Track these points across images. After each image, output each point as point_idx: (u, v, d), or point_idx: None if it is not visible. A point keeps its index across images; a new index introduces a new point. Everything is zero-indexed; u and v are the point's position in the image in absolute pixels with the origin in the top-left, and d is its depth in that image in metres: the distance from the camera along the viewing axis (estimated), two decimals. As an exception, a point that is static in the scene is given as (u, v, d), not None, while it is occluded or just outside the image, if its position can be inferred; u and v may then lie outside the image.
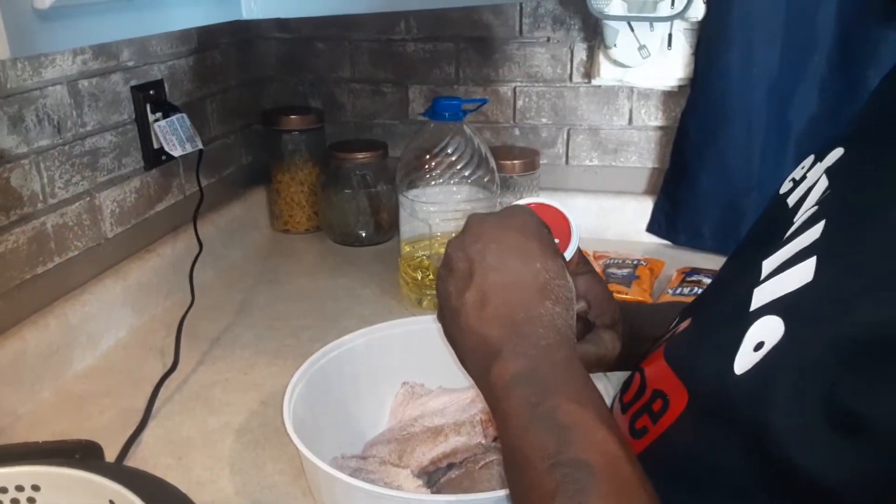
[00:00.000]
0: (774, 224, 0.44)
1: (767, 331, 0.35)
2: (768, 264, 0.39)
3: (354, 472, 0.63)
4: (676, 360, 0.43)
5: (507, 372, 0.41)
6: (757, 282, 0.38)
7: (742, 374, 0.35)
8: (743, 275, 0.41)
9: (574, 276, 0.51)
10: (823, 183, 0.41)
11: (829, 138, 0.45)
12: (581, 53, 1.20)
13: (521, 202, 0.55)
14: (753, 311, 0.37)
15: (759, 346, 0.35)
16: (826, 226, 0.36)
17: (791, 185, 0.46)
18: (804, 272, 0.35)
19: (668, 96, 1.18)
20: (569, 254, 0.54)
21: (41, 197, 0.84)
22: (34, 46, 0.45)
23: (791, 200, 0.44)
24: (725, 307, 0.41)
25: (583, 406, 0.39)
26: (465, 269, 0.46)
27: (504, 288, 0.44)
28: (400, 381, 0.77)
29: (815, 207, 0.39)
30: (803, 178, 0.45)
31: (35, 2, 0.43)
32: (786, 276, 0.36)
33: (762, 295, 0.37)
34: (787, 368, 0.33)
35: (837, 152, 0.42)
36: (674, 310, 0.58)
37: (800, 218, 0.40)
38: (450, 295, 0.47)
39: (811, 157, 0.46)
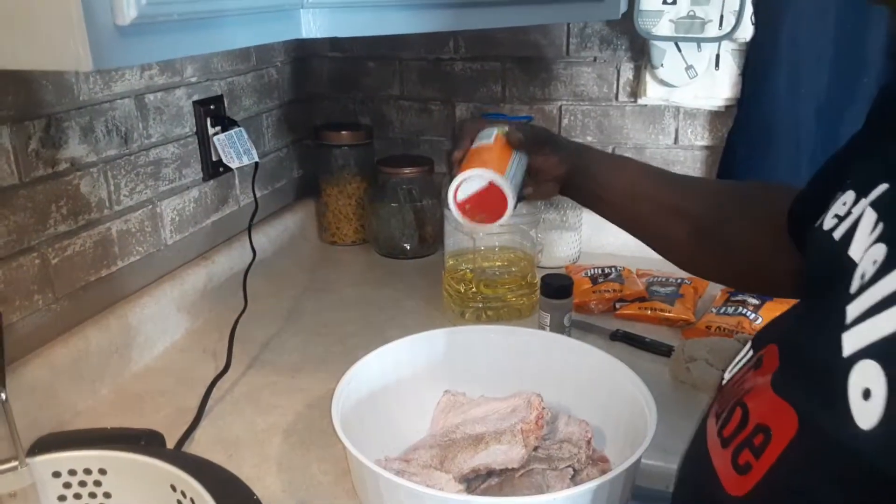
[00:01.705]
0: (831, 259, 0.44)
1: (869, 377, 0.36)
2: (853, 309, 0.39)
3: (397, 474, 0.65)
4: (788, 394, 0.43)
5: None
6: (843, 326, 0.38)
7: (870, 430, 0.35)
8: (824, 316, 0.41)
9: (533, 157, 0.72)
10: (871, 215, 0.41)
11: (868, 174, 0.45)
12: (627, 73, 1.21)
13: (455, 180, 0.67)
14: (847, 358, 0.37)
15: (866, 393, 0.35)
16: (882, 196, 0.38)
17: (836, 221, 0.46)
18: (866, 221, 0.37)
19: (715, 116, 1.19)
20: (506, 217, 0.66)
21: (107, 203, 0.89)
22: (114, 60, 0.48)
23: (836, 234, 0.44)
24: (815, 350, 0.42)
25: None
26: None
27: None
28: (442, 389, 0.79)
29: (883, 246, 0.39)
30: (847, 213, 0.45)
31: (116, 18, 0.46)
32: (877, 320, 0.37)
33: (853, 340, 0.38)
34: None
35: (882, 188, 0.42)
36: (628, 165, 0.78)
37: (862, 254, 0.41)
38: None
39: (851, 193, 0.46)
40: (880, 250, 0.39)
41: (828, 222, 0.47)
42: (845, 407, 0.36)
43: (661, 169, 0.79)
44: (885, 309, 0.36)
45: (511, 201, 0.66)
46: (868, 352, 0.36)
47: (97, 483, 0.51)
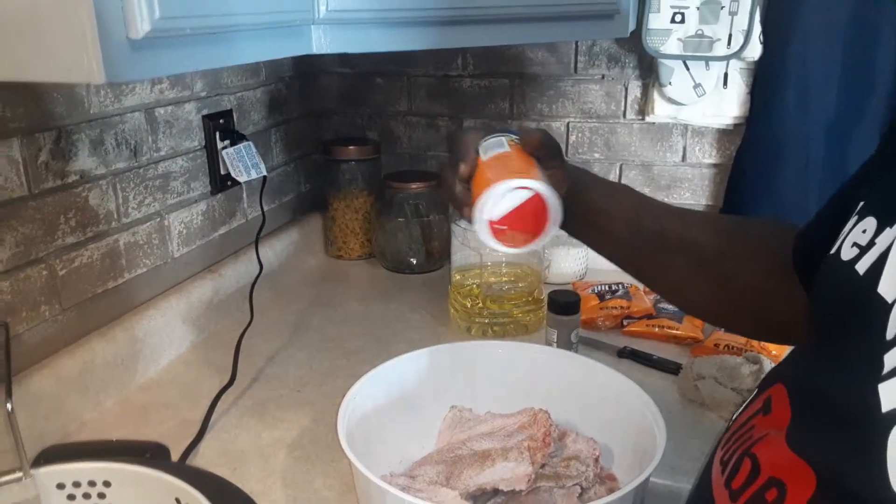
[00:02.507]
0: (856, 297, 0.40)
1: None
2: (892, 358, 0.35)
3: (403, 490, 0.64)
4: (811, 456, 0.39)
5: None
6: (879, 377, 0.35)
7: None
8: (853, 362, 0.38)
9: (546, 170, 0.60)
10: None
11: (891, 199, 0.42)
12: (635, 91, 1.21)
13: (485, 197, 0.55)
14: (888, 413, 0.34)
15: None
16: None
17: (857, 251, 0.42)
18: None
19: (723, 134, 1.19)
20: (548, 235, 0.56)
21: (116, 216, 0.89)
22: (126, 73, 0.48)
23: (860, 268, 0.40)
24: (843, 401, 0.38)
25: None
26: None
27: None
28: (448, 405, 0.78)
29: None
30: (871, 244, 0.41)
31: (129, 32, 0.47)
32: None
33: (894, 394, 0.34)
34: None
35: None
36: (626, 193, 0.68)
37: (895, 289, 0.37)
38: None
39: (872, 220, 0.42)
40: None
41: (846, 252, 0.43)
42: (882, 467, 0.33)
43: (662, 201, 0.71)
44: None
45: (557, 216, 0.55)
46: None
47: (101, 495, 0.50)
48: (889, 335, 0.35)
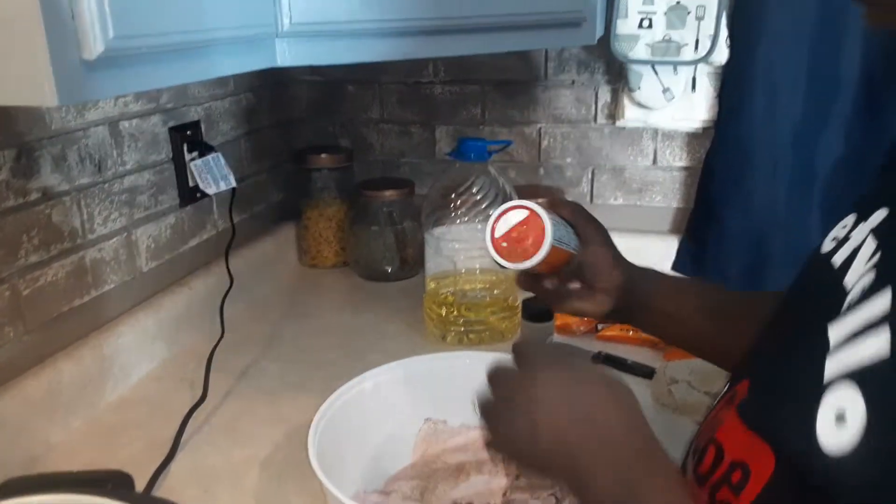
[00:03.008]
0: (825, 286, 0.43)
1: (846, 402, 0.35)
2: (835, 332, 0.38)
3: (376, 508, 0.64)
4: (760, 425, 0.42)
5: (597, 487, 0.44)
6: (827, 350, 0.38)
7: (841, 457, 0.34)
8: (807, 339, 0.40)
9: (585, 243, 0.65)
10: (871, 244, 0.40)
11: (871, 196, 0.44)
12: (605, 96, 1.22)
13: (497, 211, 0.63)
14: (828, 383, 0.36)
15: (840, 417, 0.35)
16: (894, 296, 0.36)
17: (834, 244, 0.45)
18: (879, 346, 0.35)
19: (693, 137, 1.19)
20: (543, 252, 0.61)
21: (80, 232, 0.88)
22: (81, 94, 0.47)
23: (836, 261, 0.43)
24: (796, 374, 0.40)
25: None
26: (526, 426, 0.47)
27: (566, 420, 0.46)
28: (423, 417, 0.78)
29: (873, 272, 0.38)
30: (847, 237, 0.44)
31: (83, 52, 0.46)
32: (859, 346, 0.36)
33: (835, 365, 0.37)
34: (883, 453, 0.33)
35: (882, 213, 0.41)
36: (695, 285, 0.70)
37: (855, 282, 0.40)
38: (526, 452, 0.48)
39: (852, 216, 0.45)
40: (869, 275, 0.39)
41: (826, 245, 0.46)
42: (813, 428, 0.35)
43: (723, 289, 0.73)
44: (869, 334, 0.36)
45: (549, 233, 0.60)
46: (851, 377, 0.35)
47: (63, 528, 0.49)
48: (839, 315, 0.38)
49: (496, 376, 0.51)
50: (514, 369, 0.51)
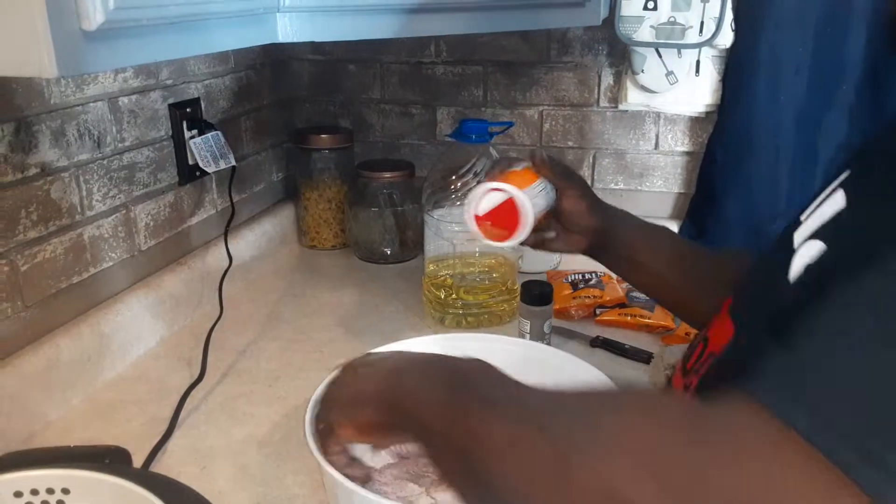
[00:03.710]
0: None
1: (813, 251, 0.38)
2: (803, 220, 0.43)
3: (366, 483, 0.64)
4: (735, 307, 0.46)
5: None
6: (794, 227, 0.43)
7: (794, 278, 0.38)
8: (779, 243, 0.45)
9: (562, 193, 0.71)
10: (840, 197, 0.42)
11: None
12: (608, 78, 1.21)
13: (474, 193, 0.68)
14: (797, 247, 0.40)
15: (807, 267, 0.39)
16: (850, 172, 0.41)
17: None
18: (836, 202, 0.39)
19: (695, 122, 1.19)
20: (523, 234, 0.67)
21: (79, 209, 0.87)
22: (80, 66, 0.47)
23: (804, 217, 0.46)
24: (770, 258, 0.45)
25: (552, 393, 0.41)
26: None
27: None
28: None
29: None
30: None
31: (83, 23, 0.45)
32: (820, 212, 0.40)
33: (801, 233, 0.41)
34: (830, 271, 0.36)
35: (846, 172, 0.44)
36: (665, 234, 0.75)
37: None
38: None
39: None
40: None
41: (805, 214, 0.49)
42: (784, 276, 0.39)
43: (694, 242, 0.77)
44: (827, 201, 0.41)
45: (527, 216, 0.66)
46: (814, 235, 0.40)
47: (60, 503, 0.49)
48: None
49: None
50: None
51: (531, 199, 0.66)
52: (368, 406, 0.50)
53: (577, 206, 0.71)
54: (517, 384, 0.42)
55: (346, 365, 0.58)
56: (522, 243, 0.69)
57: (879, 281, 0.30)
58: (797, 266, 0.39)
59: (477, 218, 0.68)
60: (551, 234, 0.73)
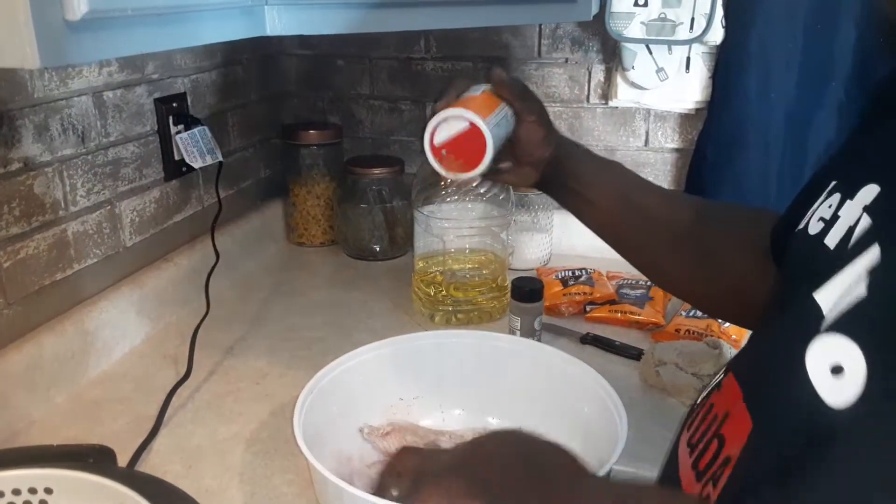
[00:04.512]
0: (820, 266, 0.41)
1: (838, 351, 0.33)
2: (823, 297, 0.37)
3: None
4: (750, 398, 0.41)
5: None
6: (821, 315, 0.36)
7: (846, 408, 0.32)
8: (796, 312, 0.39)
9: (519, 120, 0.66)
10: (866, 221, 0.39)
11: (853, 173, 0.43)
12: (599, 75, 1.21)
13: (432, 121, 0.62)
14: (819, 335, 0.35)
15: (836, 369, 0.33)
16: (882, 251, 0.35)
17: (822, 224, 0.43)
18: (859, 290, 0.34)
19: (685, 118, 1.19)
20: (483, 166, 0.62)
21: (63, 204, 0.86)
22: (64, 57, 0.46)
23: (831, 242, 0.41)
24: (788, 346, 0.39)
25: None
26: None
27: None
28: (411, 395, 0.77)
29: (861, 236, 0.38)
30: (835, 216, 0.42)
31: (66, 13, 0.44)
32: (844, 297, 0.35)
33: (826, 300, 0.36)
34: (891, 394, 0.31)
35: (871, 189, 0.40)
36: (618, 169, 0.71)
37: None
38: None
39: (836, 195, 0.43)
40: (857, 239, 0.38)
41: (813, 226, 0.44)
42: (808, 385, 0.34)
43: (650, 181, 0.73)
44: (854, 287, 0.35)
45: (490, 144, 0.60)
46: (834, 327, 0.34)
47: (43, 503, 0.48)
48: (826, 288, 0.37)
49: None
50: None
51: (492, 126, 0.61)
52: (460, 478, 0.44)
53: (533, 135, 0.67)
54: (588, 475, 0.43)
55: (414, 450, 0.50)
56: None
57: None
58: (821, 370, 0.34)
59: (434, 148, 0.62)
60: (507, 165, 0.68)
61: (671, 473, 0.46)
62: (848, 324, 0.34)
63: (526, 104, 0.67)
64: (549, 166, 0.69)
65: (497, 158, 0.65)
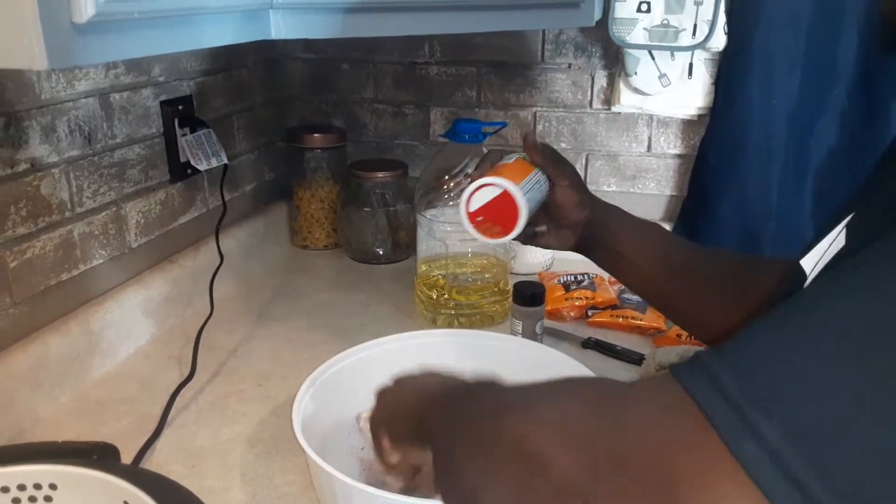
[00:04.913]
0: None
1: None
2: (807, 262, 0.42)
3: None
4: None
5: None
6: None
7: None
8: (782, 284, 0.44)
9: (553, 185, 0.68)
10: (842, 237, 0.41)
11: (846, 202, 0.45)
12: (602, 80, 1.21)
13: (468, 189, 0.65)
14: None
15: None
16: (851, 219, 0.39)
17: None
18: (837, 243, 0.37)
19: (688, 125, 1.19)
20: (517, 230, 0.65)
21: (69, 206, 0.86)
22: (71, 59, 0.46)
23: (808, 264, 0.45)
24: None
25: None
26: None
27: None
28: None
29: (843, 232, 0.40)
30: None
31: (73, 16, 0.45)
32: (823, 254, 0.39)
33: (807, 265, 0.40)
34: None
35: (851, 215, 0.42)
36: (655, 230, 0.72)
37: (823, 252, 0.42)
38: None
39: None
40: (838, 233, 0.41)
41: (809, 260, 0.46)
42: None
43: (684, 239, 0.74)
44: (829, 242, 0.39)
45: (523, 211, 0.63)
46: (816, 279, 0.39)
47: (48, 499, 0.49)
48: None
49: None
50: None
51: (526, 192, 0.64)
52: (401, 421, 0.53)
53: (569, 199, 0.69)
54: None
55: (396, 379, 0.59)
56: (514, 239, 0.67)
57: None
58: None
59: (470, 214, 0.66)
60: (542, 229, 0.71)
61: None
62: (828, 270, 0.37)
63: (559, 169, 0.69)
64: (587, 229, 0.70)
65: (533, 222, 0.68)
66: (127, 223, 0.96)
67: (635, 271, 0.70)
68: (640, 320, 1.00)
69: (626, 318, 1.01)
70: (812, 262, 0.41)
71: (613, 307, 1.03)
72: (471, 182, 0.66)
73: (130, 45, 0.52)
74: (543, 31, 1.21)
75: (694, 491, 0.28)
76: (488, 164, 0.69)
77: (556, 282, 1.10)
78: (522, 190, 0.63)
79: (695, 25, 1.03)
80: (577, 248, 0.72)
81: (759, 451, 0.27)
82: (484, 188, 0.64)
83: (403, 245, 1.26)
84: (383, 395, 0.59)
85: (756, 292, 0.65)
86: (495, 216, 0.65)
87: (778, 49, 1.02)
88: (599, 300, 1.04)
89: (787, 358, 0.29)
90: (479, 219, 0.65)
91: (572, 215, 0.69)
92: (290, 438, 0.75)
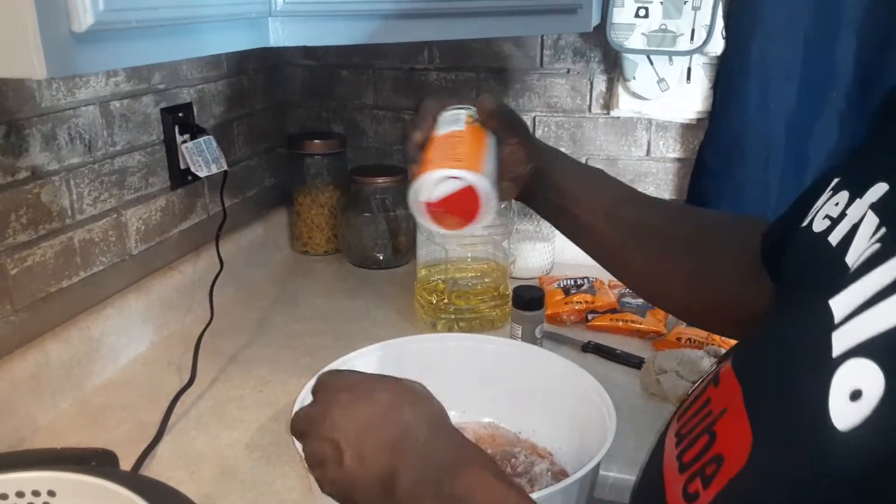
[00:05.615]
0: (823, 264, 0.40)
1: (861, 376, 0.32)
2: (839, 306, 0.36)
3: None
4: (757, 413, 0.39)
5: (407, 483, 0.45)
6: (833, 325, 0.35)
7: (849, 431, 0.32)
8: (808, 317, 0.38)
9: (502, 142, 0.63)
10: (872, 220, 0.38)
11: (862, 172, 0.42)
12: (600, 85, 1.21)
13: (430, 176, 0.57)
14: (837, 357, 0.34)
15: (855, 394, 0.32)
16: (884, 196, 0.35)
17: (828, 222, 0.42)
18: (891, 314, 0.33)
19: (687, 129, 1.19)
20: (479, 223, 0.58)
21: (70, 213, 0.87)
22: (70, 67, 0.47)
23: (833, 239, 0.41)
24: (798, 353, 0.38)
25: (480, 470, 0.44)
26: (330, 448, 0.49)
27: (366, 430, 0.48)
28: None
29: (878, 246, 0.37)
30: (842, 214, 0.41)
31: (72, 25, 0.45)
32: (868, 316, 0.34)
33: (844, 338, 0.35)
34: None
35: (880, 188, 0.39)
36: (602, 179, 0.69)
37: (857, 257, 0.38)
38: (334, 475, 0.49)
39: (844, 193, 0.42)
40: (874, 250, 0.36)
41: (818, 224, 0.43)
42: (822, 410, 0.33)
43: (634, 189, 0.71)
44: (879, 303, 0.34)
45: (489, 206, 0.57)
46: (863, 350, 0.33)
47: (47, 505, 0.49)
48: (842, 296, 0.36)
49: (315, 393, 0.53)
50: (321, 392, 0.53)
51: (488, 173, 0.57)
52: (336, 468, 0.48)
53: (516, 155, 0.64)
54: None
55: (349, 386, 0.53)
56: None
57: None
58: (841, 394, 0.33)
59: (429, 205, 0.58)
60: None
61: (656, 461, 0.46)
62: (874, 348, 0.33)
63: (511, 130, 0.65)
64: (531, 180, 0.66)
65: None
66: (127, 230, 0.97)
67: (578, 227, 0.67)
68: (640, 324, 1.00)
69: (626, 321, 1.01)
70: (853, 257, 0.38)
71: (613, 311, 1.03)
72: (416, 155, 0.60)
73: (129, 54, 0.52)
74: (542, 36, 1.21)
75: None
76: (430, 120, 0.63)
77: (555, 286, 1.10)
78: (487, 179, 0.57)
79: (693, 30, 1.04)
80: (520, 199, 0.68)
81: None
82: (448, 181, 0.57)
83: (403, 250, 1.26)
84: (333, 403, 0.51)
85: (710, 249, 0.63)
86: (455, 208, 0.58)
87: (776, 53, 1.02)
88: (599, 304, 1.04)
89: None
90: (438, 210, 0.58)
91: (517, 169, 0.65)
92: (290, 444, 0.75)
